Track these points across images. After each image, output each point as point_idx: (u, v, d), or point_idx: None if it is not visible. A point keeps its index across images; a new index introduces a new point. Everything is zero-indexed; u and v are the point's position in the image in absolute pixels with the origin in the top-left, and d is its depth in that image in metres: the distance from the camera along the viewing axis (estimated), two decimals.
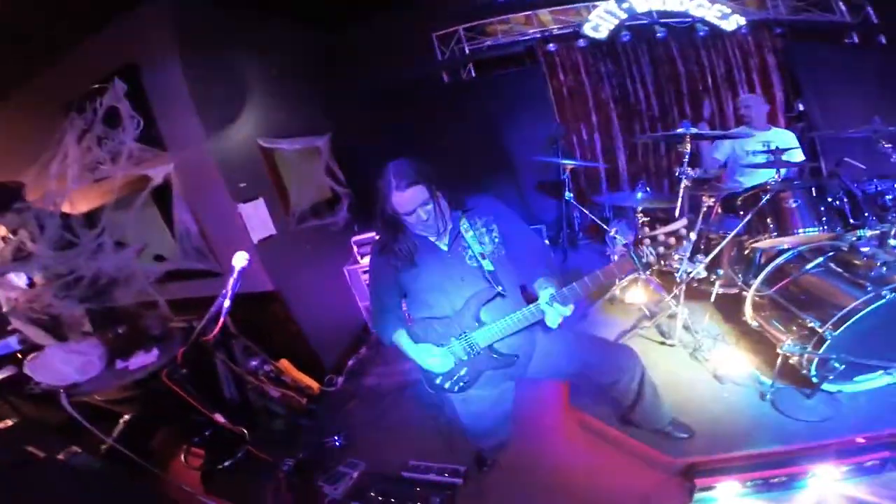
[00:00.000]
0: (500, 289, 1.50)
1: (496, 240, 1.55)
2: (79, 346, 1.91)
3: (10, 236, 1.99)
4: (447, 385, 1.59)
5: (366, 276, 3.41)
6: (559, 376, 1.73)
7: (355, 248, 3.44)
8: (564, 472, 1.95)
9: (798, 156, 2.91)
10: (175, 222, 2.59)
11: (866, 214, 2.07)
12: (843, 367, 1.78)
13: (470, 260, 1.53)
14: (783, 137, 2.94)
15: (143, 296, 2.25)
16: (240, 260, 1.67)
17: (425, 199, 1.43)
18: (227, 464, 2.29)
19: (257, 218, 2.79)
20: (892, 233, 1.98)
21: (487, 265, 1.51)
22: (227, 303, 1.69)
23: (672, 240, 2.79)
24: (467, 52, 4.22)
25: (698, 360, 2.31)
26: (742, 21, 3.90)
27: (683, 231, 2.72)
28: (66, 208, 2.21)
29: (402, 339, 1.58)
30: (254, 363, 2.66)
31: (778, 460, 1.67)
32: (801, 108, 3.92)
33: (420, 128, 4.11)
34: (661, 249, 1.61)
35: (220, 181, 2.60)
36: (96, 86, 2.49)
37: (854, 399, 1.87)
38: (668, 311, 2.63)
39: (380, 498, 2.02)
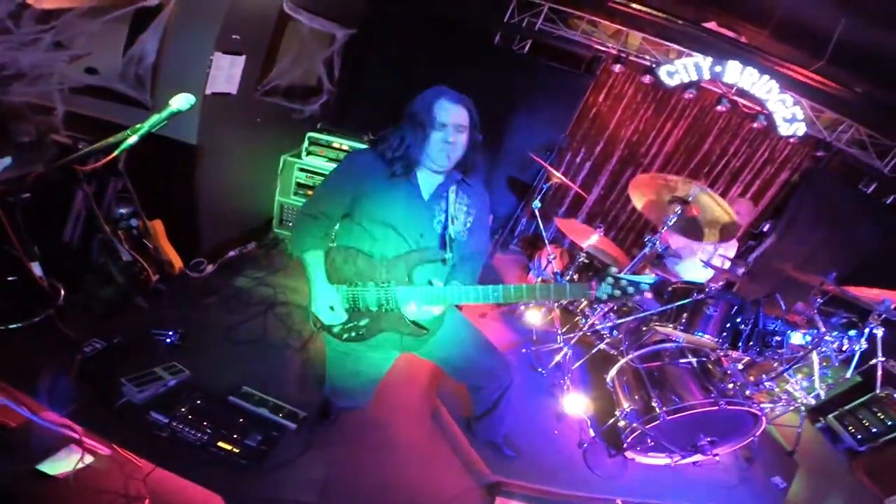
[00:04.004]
0: (449, 255, 1.42)
1: (466, 226, 1.49)
2: None
3: None
4: (338, 330, 1.46)
5: (302, 173, 3.27)
6: (443, 363, 1.67)
7: (307, 143, 3.24)
8: (395, 451, 1.93)
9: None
10: (135, 44, 2.24)
11: (751, 343, 2.24)
12: (652, 444, 2.05)
13: (437, 223, 1.44)
14: (728, 247, 3.02)
15: (42, 98, 1.89)
16: (181, 101, 1.28)
17: (464, 125, 1.36)
18: (13, 326, 1.79)
19: (226, 72, 2.54)
20: (756, 364, 2.27)
21: (451, 234, 1.43)
22: (134, 138, 1.27)
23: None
24: (537, 28, 3.94)
25: (553, 395, 2.46)
26: (801, 132, 3.66)
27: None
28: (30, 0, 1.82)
29: (315, 261, 1.41)
30: (122, 211, 2.19)
31: (558, 501, 1.87)
32: (765, 229, 4.00)
33: (440, 71, 3.84)
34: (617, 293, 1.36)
35: (217, 26, 2.32)
36: None
37: (638, 468, 2.16)
38: (554, 345, 2.76)
39: (190, 416, 1.69)
